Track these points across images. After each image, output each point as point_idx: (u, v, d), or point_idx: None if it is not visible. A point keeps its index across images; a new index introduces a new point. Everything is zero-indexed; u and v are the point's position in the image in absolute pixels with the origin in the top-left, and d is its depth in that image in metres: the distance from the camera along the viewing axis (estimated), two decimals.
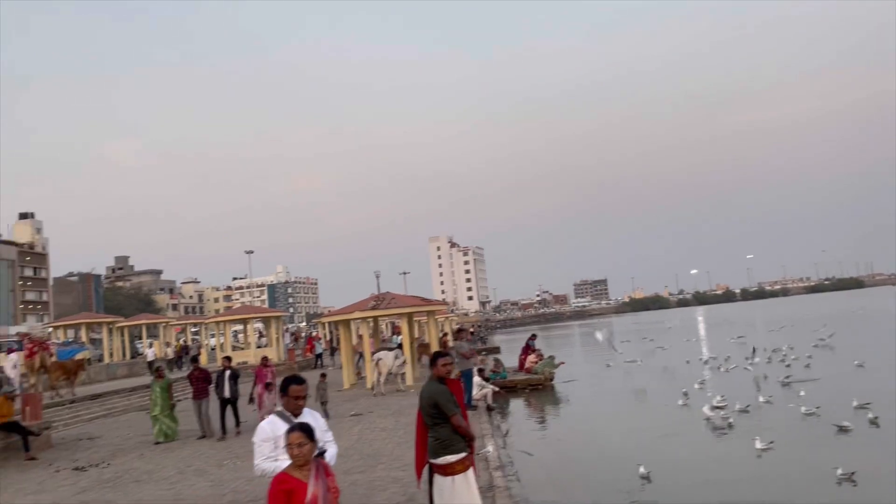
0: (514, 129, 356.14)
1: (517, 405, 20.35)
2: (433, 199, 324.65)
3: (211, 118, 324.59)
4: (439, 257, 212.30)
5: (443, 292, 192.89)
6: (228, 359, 16.00)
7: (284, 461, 4.50)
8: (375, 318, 24.88)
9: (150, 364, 33.72)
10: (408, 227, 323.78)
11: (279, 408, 4.78)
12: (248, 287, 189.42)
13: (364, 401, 19.01)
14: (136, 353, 46.87)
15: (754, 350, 25.22)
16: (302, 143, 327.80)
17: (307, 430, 3.78)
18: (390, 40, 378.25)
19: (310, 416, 4.80)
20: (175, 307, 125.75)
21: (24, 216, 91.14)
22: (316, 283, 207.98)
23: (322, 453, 4.51)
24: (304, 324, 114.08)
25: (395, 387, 20.98)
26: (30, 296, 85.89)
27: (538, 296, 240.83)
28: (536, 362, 24.05)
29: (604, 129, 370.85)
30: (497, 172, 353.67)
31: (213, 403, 14.85)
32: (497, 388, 18.12)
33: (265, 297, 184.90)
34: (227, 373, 14.76)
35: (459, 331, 17.75)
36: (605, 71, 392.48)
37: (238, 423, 14.69)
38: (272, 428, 4.62)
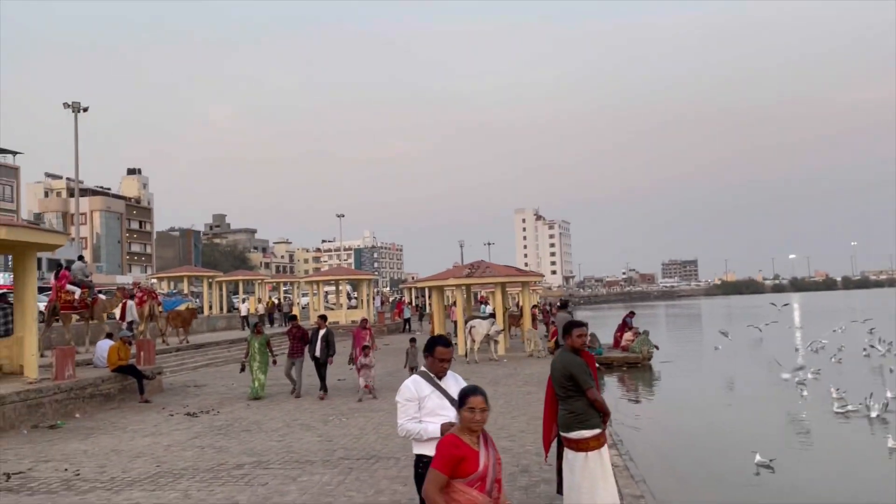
0: (607, 103, 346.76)
1: (611, 382, 19.84)
2: (521, 171, 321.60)
3: (306, 84, 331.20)
4: (524, 229, 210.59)
5: (525, 265, 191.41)
6: (324, 318, 15.40)
7: (430, 423, 4.30)
8: (468, 286, 24.72)
9: (245, 319, 34.82)
10: (494, 198, 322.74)
11: (422, 367, 4.57)
12: (335, 250, 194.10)
13: (457, 368, 18.89)
14: (232, 308, 48.75)
15: (880, 340, 23.58)
16: (394, 111, 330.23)
17: (486, 396, 3.52)
18: (478, 10, 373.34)
19: (453, 380, 4.58)
20: (267, 265, 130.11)
21: (131, 172, 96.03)
22: (401, 250, 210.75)
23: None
24: (387, 289, 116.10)
25: (487, 355, 20.83)
26: (135, 248, 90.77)
27: (624, 273, 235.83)
28: (632, 340, 23.37)
29: (701, 103, 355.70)
30: (588, 147, 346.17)
31: (308, 363, 14.85)
32: (597, 365, 17.61)
33: (351, 260, 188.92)
34: (321, 332, 14.44)
35: (563, 304, 17.31)
36: (710, 45, 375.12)
37: (323, 384, 14.35)
38: (416, 388, 4.42)
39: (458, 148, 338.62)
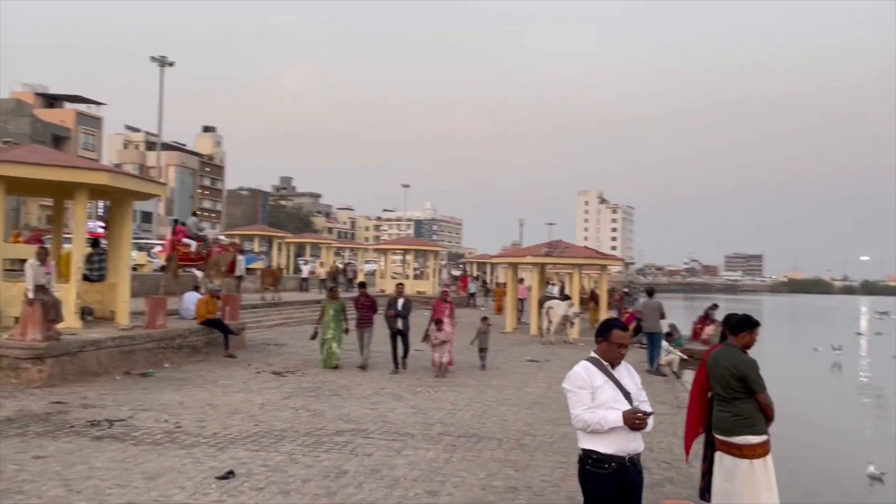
0: (679, 93, 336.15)
1: (690, 377, 19.08)
2: (588, 155, 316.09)
3: (378, 56, 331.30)
4: (586, 212, 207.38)
5: (586, 247, 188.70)
6: (401, 285, 14.51)
7: (610, 412, 3.86)
8: (542, 266, 24.15)
9: (304, 280, 34.56)
10: (558, 179, 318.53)
11: (593, 354, 4.13)
12: (396, 220, 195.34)
13: (534, 348, 18.50)
14: (297, 269, 49.43)
15: None
16: (463, 87, 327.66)
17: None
18: None
19: (626, 370, 4.13)
20: (330, 231, 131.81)
21: (206, 129, 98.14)
22: (461, 224, 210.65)
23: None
24: (444, 262, 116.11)
25: (562, 337, 20.31)
26: (206, 204, 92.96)
27: (686, 263, 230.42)
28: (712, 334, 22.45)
29: (780, 95, 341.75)
30: (658, 133, 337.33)
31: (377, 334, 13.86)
32: (685, 356, 16.92)
33: (411, 231, 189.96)
34: (401, 301, 13.21)
35: (650, 291, 16.62)
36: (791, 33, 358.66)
37: (407, 352, 13.44)
38: (588, 374, 3.99)
39: (524, 128, 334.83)
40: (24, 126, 58.05)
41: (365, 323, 13.56)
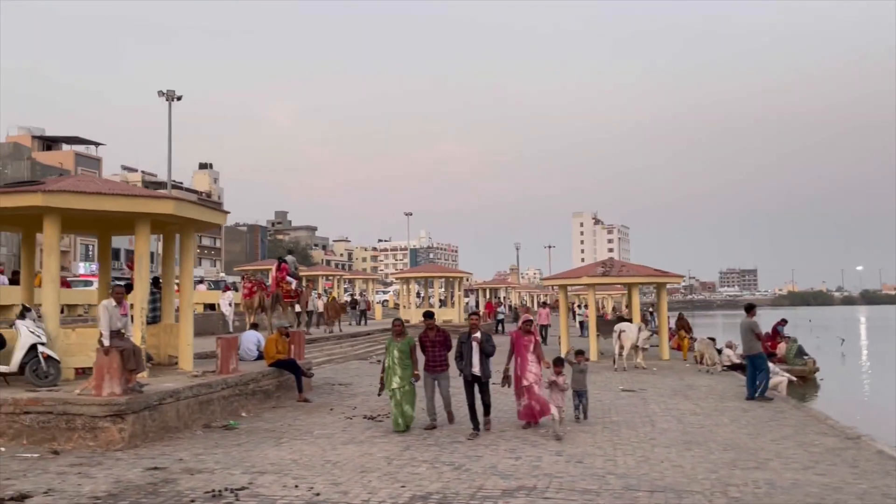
0: (665, 109, 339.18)
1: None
2: (578, 175, 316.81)
3: (360, 85, 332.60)
4: (581, 234, 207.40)
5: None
6: (477, 315, 10.64)
7: None
8: (592, 286, 22.79)
9: (320, 316, 31.75)
10: (549, 200, 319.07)
11: None
12: (392, 250, 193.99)
13: (607, 375, 17.12)
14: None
15: None
16: (449, 111, 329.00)
17: None
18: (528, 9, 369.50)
19: None
20: (328, 263, 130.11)
21: (203, 166, 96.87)
22: (457, 251, 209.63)
23: None
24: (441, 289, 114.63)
25: (632, 362, 18.97)
26: (205, 241, 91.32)
27: (684, 281, 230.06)
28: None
29: (759, 109, 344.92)
30: (646, 153, 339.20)
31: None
32: (794, 378, 15.57)
33: (407, 260, 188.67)
34: (478, 336, 9.88)
35: (749, 307, 15.29)
36: (771, 48, 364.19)
37: (489, 408, 10.08)
38: None
39: (514, 151, 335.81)
40: (23, 170, 56.54)
41: (436, 366, 10.19)
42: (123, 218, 11.42)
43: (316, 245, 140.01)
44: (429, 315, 10.71)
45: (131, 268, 22.78)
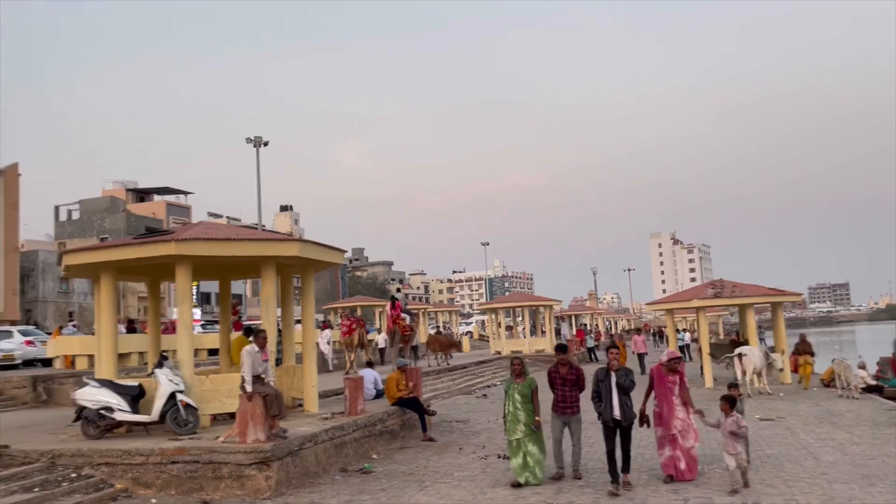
0: (746, 120, 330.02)
1: None
2: (655, 195, 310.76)
3: (427, 119, 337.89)
4: (660, 255, 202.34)
5: (664, 291, 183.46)
6: (616, 350, 8.98)
7: None
8: (702, 309, 21.62)
9: (381, 351, 29.93)
10: (623, 223, 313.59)
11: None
12: (467, 280, 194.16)
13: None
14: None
15: None
16: (517, 139, 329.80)
17: None
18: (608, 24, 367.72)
19: None
20: (406, 297, 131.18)
21: (284, 208, 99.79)
22: (532, 279, 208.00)
23: None
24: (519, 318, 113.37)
25: (755, 388, 17.88)
26: None
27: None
28: None
29: (852, 114, 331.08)
30: (727, 168, 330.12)
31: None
32: None
33: (483, 290, 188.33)
34: (619, 374, 8.58)
35: None
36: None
37: (629, 458, 8.61)
38: None
39: (584, 174, 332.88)
40: (119, 222, 59.47)
41: (567, 407, 9.02)
42: (247, 262, 11.52)
43: (393, 280, 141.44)
44: (561, 349, 9.61)
45: (235, 312, 23.48)
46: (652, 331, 59.51)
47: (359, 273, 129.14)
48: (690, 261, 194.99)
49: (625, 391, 8.56)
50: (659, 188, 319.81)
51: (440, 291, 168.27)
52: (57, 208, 63.86)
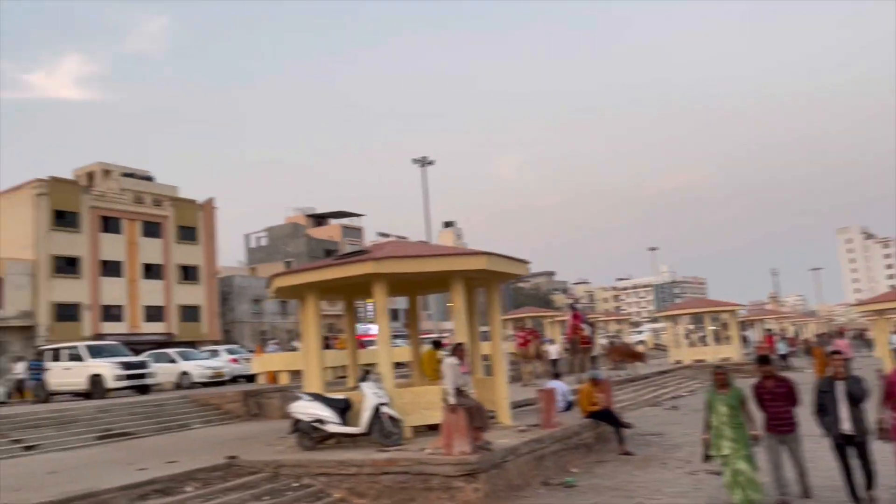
0: None
1: None
2: (842, 187, 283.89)
3: (582, 127, 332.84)
4: (850, 251, 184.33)
5: (857, 291, 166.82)
6: (838, 356, 8.21)
7: None
8: (881, 311, 19.26)
9: (553, 362, 28.57)
10: (803, 218, 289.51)
11: None
12: (633, 287, 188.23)
13: None
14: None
15: None
16: (681, 139, 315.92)
17: None
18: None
19: None
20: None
21: (447, 224, 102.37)
22: (704, 284, 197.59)
23: None
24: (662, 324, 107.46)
25: None
26: None
27: None
28: None
29: None
30: None
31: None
32: None
33: (651, 297, 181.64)
34: (844, 384, 7.76)
35: None
36: None
37: (872, 478, 7.68)
38: None
39: (756, 167, 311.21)
40: (301, 245, 63.99)
41: (781, 425, 8.16)
42: (436, 277, 11.82)
43: (556, 290, 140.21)
44: (763, 360, 8.61)
45: (407, 325, 24.30)
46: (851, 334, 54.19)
47: (521, 284, 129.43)
48: (887, 256, 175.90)
49: (856, 401, 7.63)
50: (843, 172, 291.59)
51: (605, 300, 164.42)
52: (247, 236, 69.95)
